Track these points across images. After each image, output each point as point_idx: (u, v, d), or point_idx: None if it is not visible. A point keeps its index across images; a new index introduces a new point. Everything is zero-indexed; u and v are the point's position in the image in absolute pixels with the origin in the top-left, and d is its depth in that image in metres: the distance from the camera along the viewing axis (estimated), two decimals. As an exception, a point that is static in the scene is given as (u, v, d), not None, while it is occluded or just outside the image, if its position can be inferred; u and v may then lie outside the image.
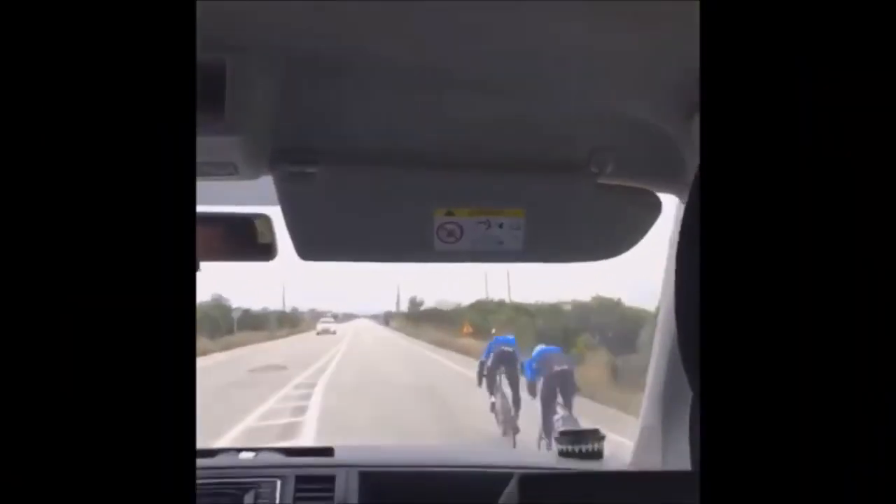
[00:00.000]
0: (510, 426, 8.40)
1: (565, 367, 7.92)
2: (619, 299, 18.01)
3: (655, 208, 1.36)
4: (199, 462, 1.67)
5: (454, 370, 15.26)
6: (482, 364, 8.92)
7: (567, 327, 16.79)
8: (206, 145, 1.04)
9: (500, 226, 1.31)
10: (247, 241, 1.39)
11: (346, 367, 17.95)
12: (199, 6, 0.88)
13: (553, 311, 22.47)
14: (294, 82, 1.09)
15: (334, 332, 35.56)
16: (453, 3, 0.89)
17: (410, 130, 1.26)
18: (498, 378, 8.68)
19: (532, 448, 7.69)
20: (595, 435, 1.61)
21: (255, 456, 1.72)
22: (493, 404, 8.74)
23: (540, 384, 7.84)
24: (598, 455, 1.61)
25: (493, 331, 10.75)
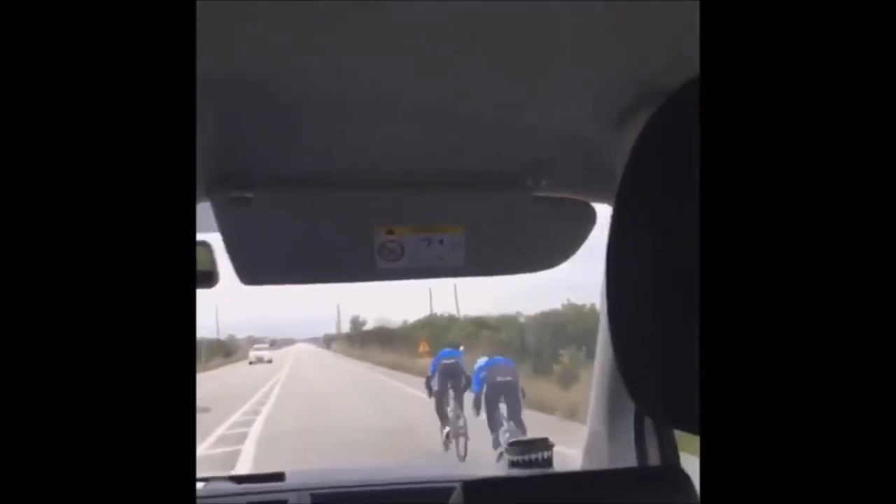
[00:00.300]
0: (459, 440, 8.36)
1: (508, 378, 7.86)
2: (594, 305, 15.65)
3: (591, 218, 1.40)
4: None
5: (425, 401, 9.60)
6: (428, 380, 8.81)
7: (541, 339, 15.47)
8: None
9: (441, 242, 1.33)
10: None
11: (287, 405, 14.65)
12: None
13: (514, 322, 21.38)
14: (226, 108, 1.08)
15: (269, 361, 32.88)
16: (380, 27, 0.90)
17: (347, 151, 1.26)
18: (447, 392, 8.58)
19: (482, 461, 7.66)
20: (544, 443, 1.63)
21: (205, 486, 1.69)
22: (443, 419, 8.65)
23: (483, 396, 7.83)
24: (547, 463, 1.63)
25: (462, 347, 10.02)
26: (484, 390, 7.84)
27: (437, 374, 8.61)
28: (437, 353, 9.26)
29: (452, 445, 8.45)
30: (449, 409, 8.53)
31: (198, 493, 1.66)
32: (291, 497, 1.60)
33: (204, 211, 1.26)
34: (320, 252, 1.33)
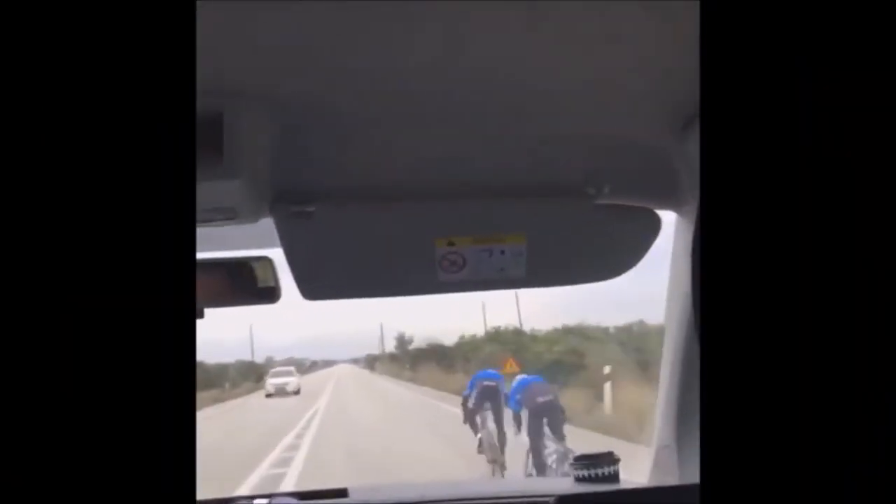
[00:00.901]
0: (498, 463, 8.07)
1: (549, 397, 7.55)
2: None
3: (655, 226, 1.37)
4: None
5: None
6: (465, 399, 8.48)
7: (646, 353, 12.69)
8: (206, 191, 1.04)
9: (503, 252, 1.32)
10: (250, 284, 1.38)
11: (329, 452, 10.31)
12: (197, 54, 0.89)
13: (610, 335, 18.38)
14: (290, 124, 1.09)
15: (296, 392, 24.03)
16: (437, 40, 0.90)
17: (407, 164, 1.26)
18: (483, 415, 8.29)
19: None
20: (610, 458, 1.59)
21: (269, 502, 1.69)
22: (479, 441, 8.35)
23: (525, 418, 7.53)
24: (614, 478, 1.59)
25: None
26: (525, 413, 7.53)
27: (474, 393, 8.34)
28: (519, 374, 8.97)
29: (490, 468, 8.18)
30: (485, 433, 8.26)
31: None
32: None
33: (267, 226, 1.27)
34: (381, 265, 1.33)
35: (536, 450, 7.47)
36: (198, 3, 0.62)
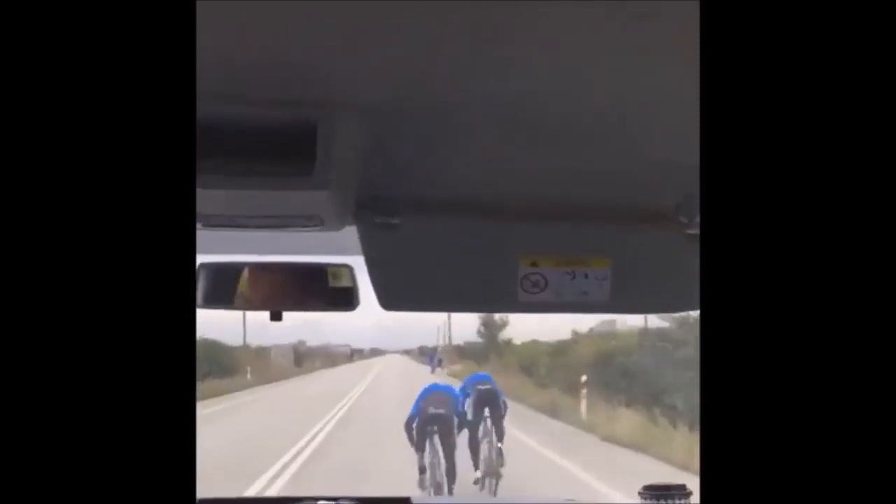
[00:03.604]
0: (490, 479, 7.69)
1: (489, 386, 7.99)
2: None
3: None
4: None
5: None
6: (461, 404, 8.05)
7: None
8: (294, 199, 1.05)
9: (586, 276, 1.29)
10: (328, 290, 1.39)
11: None
12: (291, 67, 0.89)
13: None
14: (379, 135, 1.09)
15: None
16: (537, 56, 0.88)
17: (495, 180, 1.25)
18: (484, 421, 7.85)
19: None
20: (682, 490, 1.55)
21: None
22: (475, 454, 7.91)
23: (470, 406, 7.74)
24: (684, 512, 1.56)
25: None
26: (470, 402, 7.81)
27: (470, 400, 7.94)
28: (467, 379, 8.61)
29: (486, 484, 7.69)
30: (486, 442, 7.81)
31: None
32: None
33: (350, 234, 1.28)
34: (462, 281, 1.32)
35: (474, 437, 7.69)
36: (290, 11, 0.62)
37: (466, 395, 8.04)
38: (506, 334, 28.92)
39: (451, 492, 6.99)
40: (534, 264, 1.28)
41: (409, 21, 0.81)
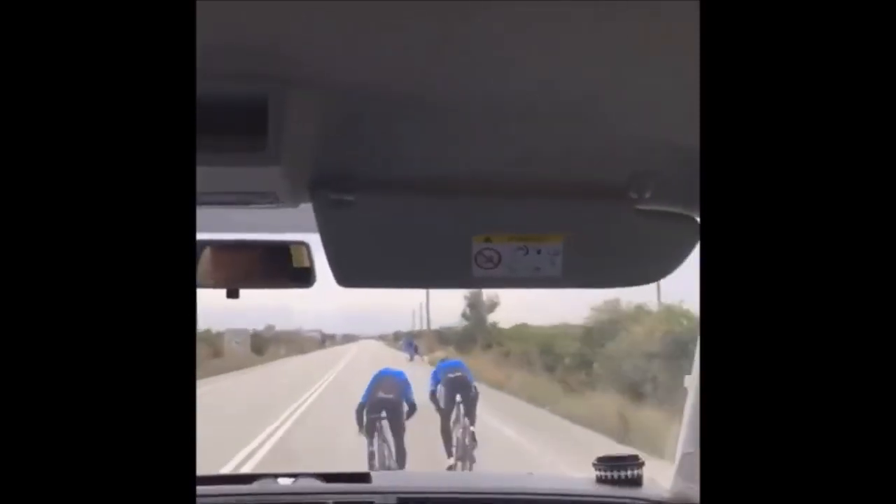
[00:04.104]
0: (466, 462, 7.73)
1: (460, 373, 8.02)
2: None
3: (695, 234, 1.35)
4: (238, 489, 1.67)
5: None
6: (432, 394, 8.07)
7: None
8: (248, 175, 1.05)
9: (539, 252, 1.31)
10: (285, 267, 1.40)
11: None
12: (244, 41, 0.89)
13: None
14: (333, 112, 1.10)
15: None
16: (489, 34, 0.89)
17: (449, 158, 1.26)
18: (456, 408, 7.88)
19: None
20: (634, 461, 1.59)
21: (294, 482, 1.72)
22: (447, 441, 7.97)
23: (442, 393, 7.84)
24: (637, 482, 1.59)
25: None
26: (442, 388, 7.91)
27: (441, 387, 7.98)
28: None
29: (459, 469, 7.65)
30: (459, 428, 7.85)
31: (288, 490, 1.69)
32: (377, 499, 1.61)
33: (305, 212, 1.28)
34: (418, 257, 1.33)
35: (446, 424, 7.79)
36: None
37: (437, 382, 8.07)
38: (496, 317, 24.97)
39: None
40: (487, 240, 1.30)
41: (363, 3, 0.82)
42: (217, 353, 27.14)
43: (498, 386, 15.96)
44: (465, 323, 25.98)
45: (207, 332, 27.58)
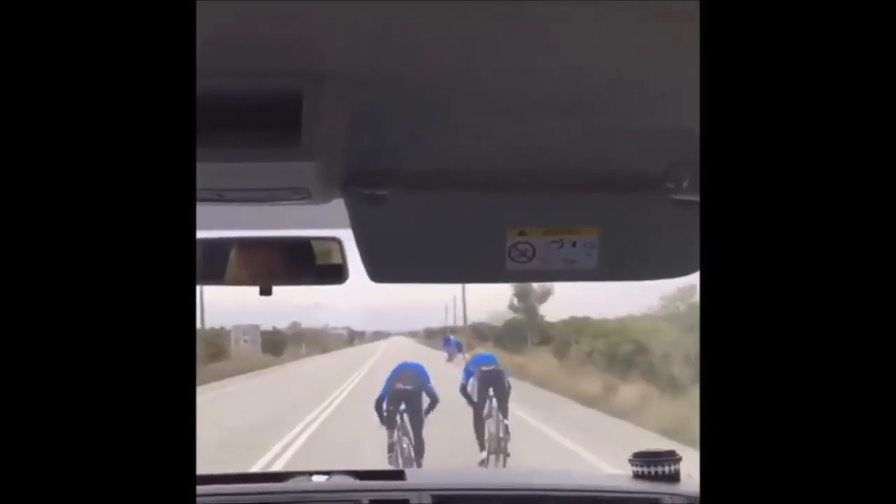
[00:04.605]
0: (499, 456, 7.79)
1: (493, 366, 8.05)
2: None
3: None
4: (273, 487, 1.67)
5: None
6: (464, 387, 8.15)
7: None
8: (281, 171, 1.05)
9: (574, 244, 1.30)
10: (317, 264, 1.40)
11: None
12: (276, 38, 0.89)
13: None
14: (366, 107, 1.09)
15: None
16: (522, 26, 0.88)
17: (482, 152, 1.25)
18: (489, 401, 7.92)
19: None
20: (671, 457, 1.57)
21: (328, 479, 1.72)
22: (480, 435, 7.99)
23: (475, 385, 7.88)
24: (674, 478, 1.57)
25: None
26: (474, 381, 7.97)
27: (474, 380, 8.04)
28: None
29: (492, 463, 7.72)
30: (493, 422, 7.87)
31: (323, 487, 1.69)
32: (412, 497, 1.60)
33: (337, 207, 1.28)
34: (451, 251, 1.33)
35: (478, 417, 7.81)
36: None
37: (470, 376, 8.15)
38: (547, 308, 20.58)
39: (419, 465, 7.03)
40: (521, 234, 1.29)
41: None
42: (219, 353, 23.10)
43: (590, 401, 12.36)
44: (510, 316, 22.31)
45: (208, 329, 24.34)
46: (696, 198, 1.31)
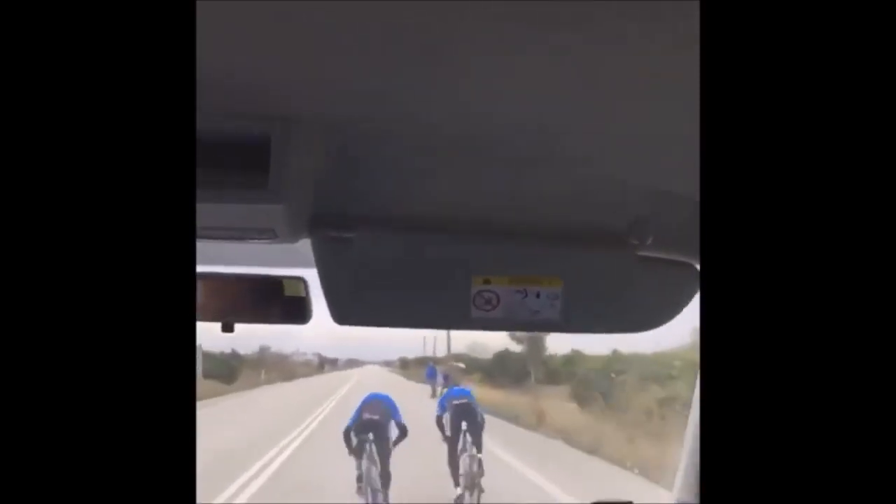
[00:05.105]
0: (474, 492, 7.81)
1: (465, 400, 8.04)
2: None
3: (695, 280, 1.35)
4: None
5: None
6: (439, 419, 8.12)
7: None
8: (248, 212, 1.05)
9: (538, 295, 1.30)
10: (281, 302, 1.39)
11: None
12: (248, 80, 0.90)
13: None
14: (334, 151, 1.10)
15: None
16: (491, 78, 0.90)
17: (449, 199, 1.26)
18: (462, 436, 7.92)
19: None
20: (629, 509, 1.57)
21: None
22: (454, 469, 7.97)
23: (447, 419, 7.87)
24: (632, 531, 1.57)
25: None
26: (447, 415, 7.93)
27: (447, 414, 8.04)
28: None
29: (467, 499, 7.76)
30: (466, 456, 7.85)
31: None
32: None
33: (304, 247, 1.28)
34: (416, 297, 1.33)
35: (452, 453, 7.78)
36: (246, 27, 0.63)
37: (444, 410, 8.12)
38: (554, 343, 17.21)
39: (385, 496, 7.15)
40: (486, 282, 1.29)
41: (366, 42, 0.82)
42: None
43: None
44: (501, 347, 18.84)
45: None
46: (661, 254, 1.33)
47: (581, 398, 12.81)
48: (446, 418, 8.03)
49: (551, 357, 17.17)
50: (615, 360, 13.89)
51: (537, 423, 12.30)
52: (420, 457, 8.17)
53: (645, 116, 0.99)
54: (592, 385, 13.16)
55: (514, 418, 12.78)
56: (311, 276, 1.39)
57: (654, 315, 1.36)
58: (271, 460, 9.90)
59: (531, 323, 1.32)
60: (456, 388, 8.88)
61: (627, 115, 0.99)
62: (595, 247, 1.31)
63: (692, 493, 1.50)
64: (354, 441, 7.27)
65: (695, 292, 1.36)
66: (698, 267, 1.36)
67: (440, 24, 0.78)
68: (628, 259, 1.31)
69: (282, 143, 1.00)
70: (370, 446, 7.20)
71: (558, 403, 12.88)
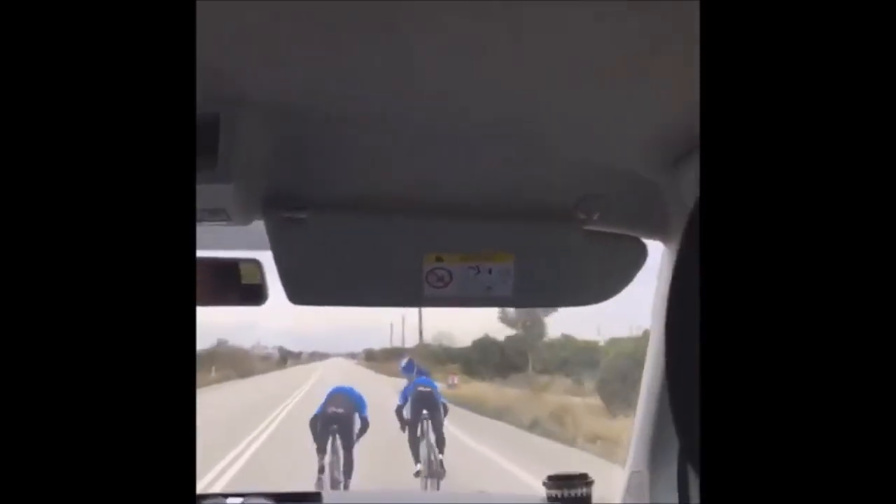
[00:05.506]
0: (436, 473, 7.90)
1: (429, 389, 8.19)
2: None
3: (641, 255, 1.39)
4: None
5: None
6: (399, 409, 8.25)
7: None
8: (200, 192, 1.05)
9: (490, 271, 1.33)
10: (236, 285, 1.40)
11: None
12: (197, 58, 0.90)
13: None
14: (286, 131, 1.11)
15: None
16: (442, 58, 0.91)
17: (400, 177, 1.28)
18: (422, 423, 8.07)
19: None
20: (583, 480, 1.60)
21: (243, 501, 1.70)
22: (416, 454, 8.12)
23: (409, 407, 8.01)
24: (586, 501, 1.61)
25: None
26: (409, 404, 8.08)
27: (410, 402, 8.18)
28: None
29: (427, 483, 7.89)
30: (423, 444, 8.02)
31: None
32: None
33: (257, 229, 1.28)
34: (369, 275, 1.34)
35: (413, 434, 7.93)
36: (197, 6, 0.63)
37: (406, 399, 8.22)
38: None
39: (346, 487, 7.17)
40: (439, 259, 1.32)
41: (313, 23, 0.83)
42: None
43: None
44: (505, 334, 16.51)
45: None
46: (607, 229, 1.37)
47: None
48: (408, 405, 8.15)
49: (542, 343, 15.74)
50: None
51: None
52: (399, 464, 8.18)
53: (597, 98, 1.02)
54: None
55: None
56: (266, 258, 1.40)
57: (602, 288, 1.40)
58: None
59: (484, 298, 1.35)
60: (421, 377, 8.79)
61: (579, 97, 1.01)
62: (544, 223, 1.34)
63: (643, 462, 1.54)
64: (318, 433, 7.36)
65: (641, 265, 1.40)
66: (643, 240, 1.40)
67: (389, 6, 0.79)
68: (576, 234, 1.34)
69: (230, 123, 1.01)
70: (334, 438, 7.28)
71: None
